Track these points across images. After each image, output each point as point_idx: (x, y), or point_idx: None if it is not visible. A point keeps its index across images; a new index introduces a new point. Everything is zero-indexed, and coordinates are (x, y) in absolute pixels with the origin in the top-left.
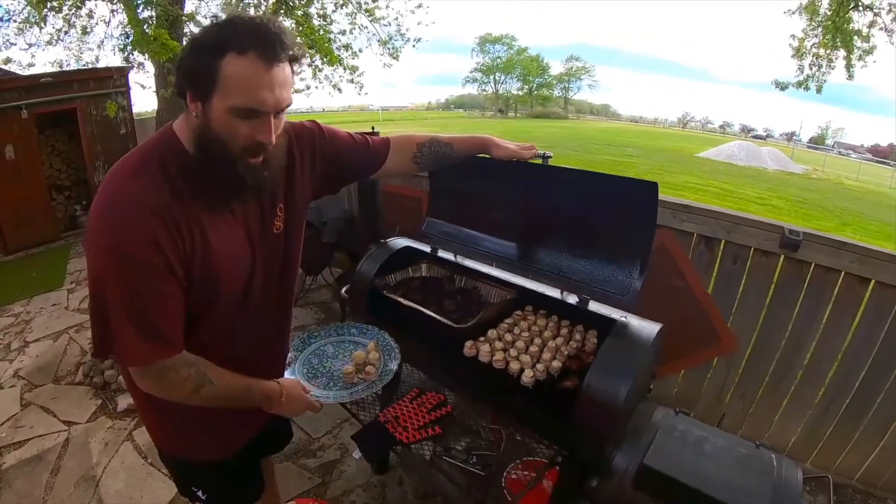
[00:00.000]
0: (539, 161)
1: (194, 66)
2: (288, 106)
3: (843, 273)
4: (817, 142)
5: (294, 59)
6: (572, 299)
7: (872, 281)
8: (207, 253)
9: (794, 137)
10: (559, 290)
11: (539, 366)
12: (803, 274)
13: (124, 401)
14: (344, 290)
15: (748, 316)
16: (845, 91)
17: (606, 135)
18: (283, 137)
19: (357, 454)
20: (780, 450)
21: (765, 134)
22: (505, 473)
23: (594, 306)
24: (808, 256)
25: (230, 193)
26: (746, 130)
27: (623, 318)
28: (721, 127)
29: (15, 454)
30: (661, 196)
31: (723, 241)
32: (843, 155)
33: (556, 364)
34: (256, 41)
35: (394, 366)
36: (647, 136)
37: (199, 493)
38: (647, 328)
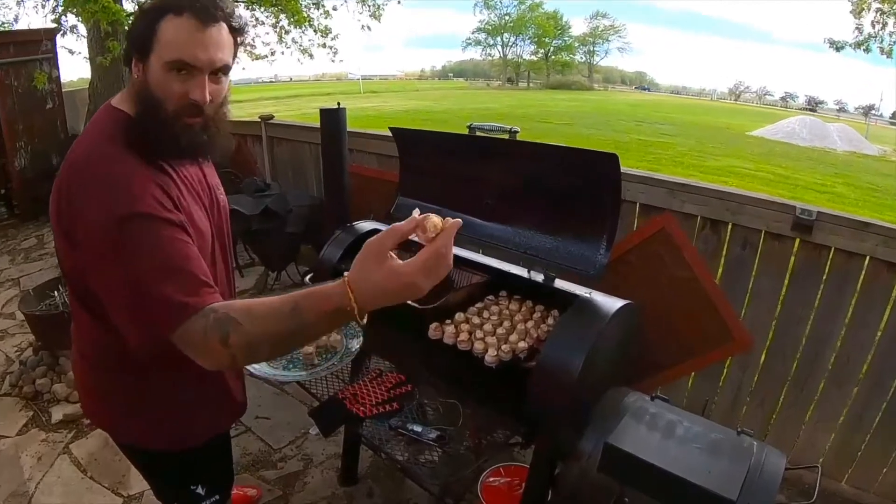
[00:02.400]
0: (506, 136)
1: (137, 29)
2: (224, 68)
3: (867, 258)
4: None
5: (234, 28)
6: (540, 278)
7: None
8: (190, 220)
9: (873, 112)
10: (526, 270)
11: (505, 347)
12: (822, 260)
13: (59, 411)
14: (308, 277)
15: (762, 309)
16: None
17: (639, 109)
18: (225, 112)
19: (314, 430)
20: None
21: (837, 107)
22: (480, 480)
23: (564, 284)
24: (827, 240)
25: (167, 152)
26: (814, 103)
27: (587, 294)
28: (782, 99)
29: None
30: (662, 176)
31: (729, 224)
32: None
33: (523, 345)
34: (191, 4)
35: (355, 346)
36: (689, 111)
37: (199, 490)
38: (608, 303)
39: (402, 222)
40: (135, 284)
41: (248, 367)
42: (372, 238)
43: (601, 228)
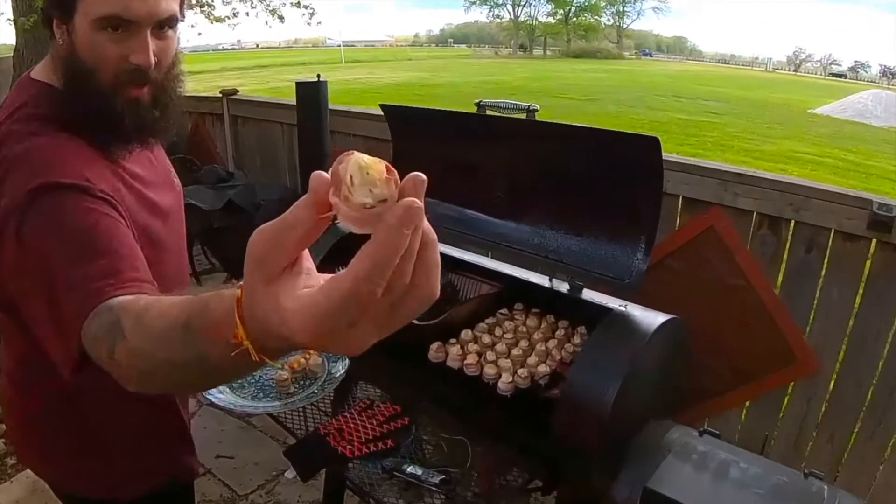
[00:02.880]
0: (522, 115)
1: None
2: (171, 19)
3: None
4: None
5: None
6: (564, 287)
7: None
8: (147, 203)
9: None
10: (548, 278)
11: (522, 371)
12: None
13: None
14: None
15: (831, 325)
16: None
17: (679, 82)
18: (177, 76)
19: (291, 473)
20: None
21: None
22: None
23: (592, 296)
24: None
25: (107, 134)
26: (889, 74)
27: (621, 308)
28: (851, 69)
29: None
30: (711, 163)
31: (792, 222)
32: None
33: (544, 369)
34: None
35: (340, 370)
36: (739, 84)
37: None
38: (648, 318)
39: (301, 200)
40: (47, 277)
41: (207, 395)
42: (256, 231)
43: (638, 227)
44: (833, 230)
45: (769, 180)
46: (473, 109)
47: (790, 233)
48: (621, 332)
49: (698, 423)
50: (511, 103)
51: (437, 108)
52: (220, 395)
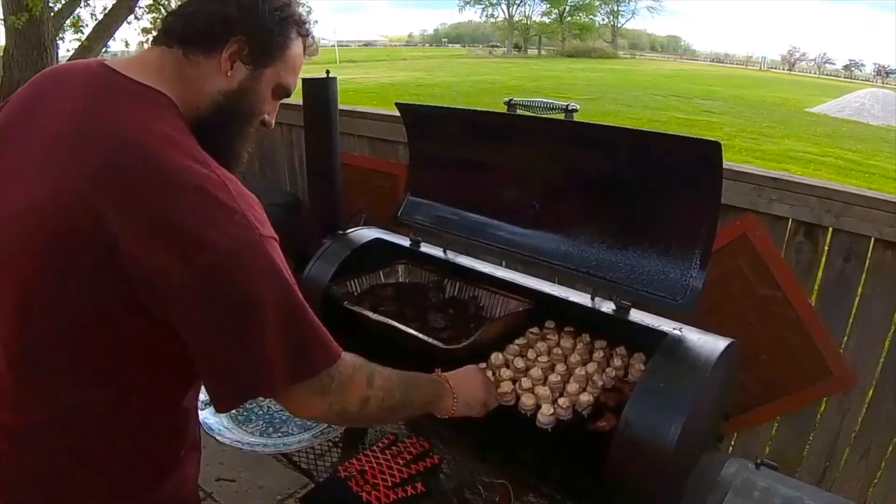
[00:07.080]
0: (560, 116)
1: (267, 29)
2: None
3: None
4: None
5: None
6: (607, 307)
7: None
8: None
9: None
10: (589, 296)
11: (562, 401)
12: None
13: None
14: None
15: (869, 338)
16: None
17: (674, 81)
18: None
19: None
20: None
21: None
22: None
23: (637, 316)
24: None
25: (234, 165)
26: (884, 73)
27: (676, 332)
28: (846, 68)
29: None
30: (745, 167)
31: (830, 230)
32: None
33: (586, 398)
34: (310, 30)
35: None
36: (735, 83)
37: None
38: (710, 344)
39: None
40: (289, 316)
41: (216, 435)
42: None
43: (693, 240)
44: (873, 238)
45: (809, 185)
46: (474, 108)
47: (827, 241)
48: (682, 361)
49: (727, 438)
50: (545, 102)
51: (460, 106)
52: (229, 434)
